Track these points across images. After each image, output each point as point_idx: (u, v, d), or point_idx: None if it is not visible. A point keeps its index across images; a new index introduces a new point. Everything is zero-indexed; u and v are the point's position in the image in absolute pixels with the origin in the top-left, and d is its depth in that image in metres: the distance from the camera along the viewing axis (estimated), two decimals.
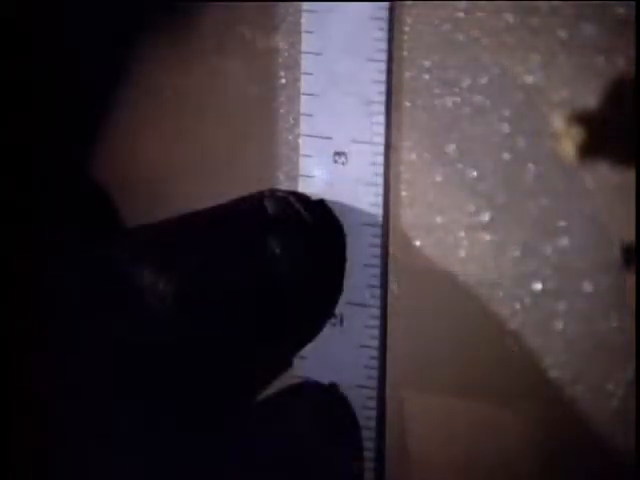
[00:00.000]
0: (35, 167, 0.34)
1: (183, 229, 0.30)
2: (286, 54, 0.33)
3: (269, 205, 0.31)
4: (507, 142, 0.29)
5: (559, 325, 0.29)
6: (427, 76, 0.30)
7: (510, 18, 0.29)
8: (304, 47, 0.32)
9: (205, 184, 0.35)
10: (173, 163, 0.36)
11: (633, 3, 0.27)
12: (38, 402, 0.23)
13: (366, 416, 0.32)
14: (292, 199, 0.31)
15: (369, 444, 0.32)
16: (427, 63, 0.30)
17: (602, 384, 0.29)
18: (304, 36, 0.32)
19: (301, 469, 0.30)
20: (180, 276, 0.28)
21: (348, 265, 0.32)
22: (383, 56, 0.31)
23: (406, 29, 0.31)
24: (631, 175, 0.27)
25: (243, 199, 0.31)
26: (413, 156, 0.31)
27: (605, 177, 0.28)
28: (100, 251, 0.27)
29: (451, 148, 0.30)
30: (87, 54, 0.36)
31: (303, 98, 0.32)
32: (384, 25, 0.31)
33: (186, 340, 0.27)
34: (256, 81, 0.34)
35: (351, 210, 0.32)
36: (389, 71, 0.31)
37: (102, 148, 0.37)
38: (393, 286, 0.32)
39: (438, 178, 0.31)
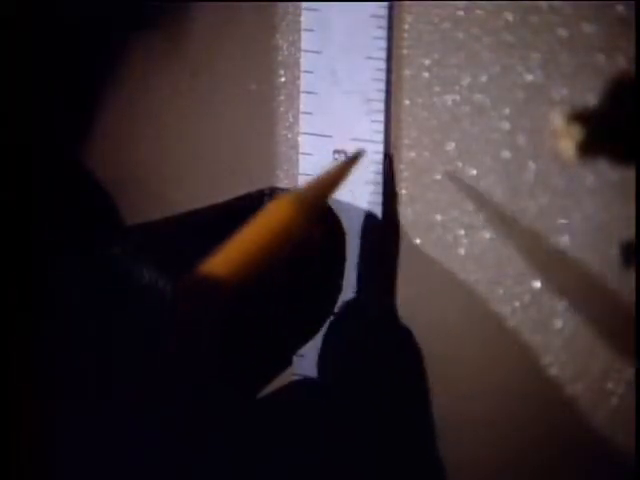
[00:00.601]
0: (35, 167, 0.34)
1: (183, 228, 0.30)
2: (286, 52, 0.33)
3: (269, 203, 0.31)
4: (507, 140, 0.29)
5: (558, 323, 0.29)
6: (427, 74, 0.30)
7: (510, 17, 0.29)
8: (304, 45, 0.32)
9: (205, 183, 0.35)
10: (173, 163, 0.36)
11: (633, 2, 0.27)
12: (38, 402, 0.23)
13: None
14: None
15: None
16: (427, 61, 0.30)
17: (601, 382, 0.29)
18: (304, 34, 0.32)
19: (300, 468, 0.30)
20: (180, 275, 0.28)
21: (347, 263, 0.32)
22: (383, 54, 0.31)
23: (406, 27, 0.31)
24: (631, 173, 0.27)
25: (243, 197, 0.31)
26: (413, 154, 0.31)
27: (605, 175, 0.28)
28: (100, 250, 0.27)
29: (451, 146, 0.30)
30: (87, 54, 0.36)
31: (303, 96, 0.32)
32: (384, 23, 0.31)
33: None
34: (256, 79, 0.34)
35: (351, 208, 0.32)
36: (389, 69, 0.31)
37: (102, 148, 0.37)
38: None
39: (438, 176, 0.31)
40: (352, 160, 0.29)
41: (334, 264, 0.32)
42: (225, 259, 0.26)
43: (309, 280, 0.30)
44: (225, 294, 0.25)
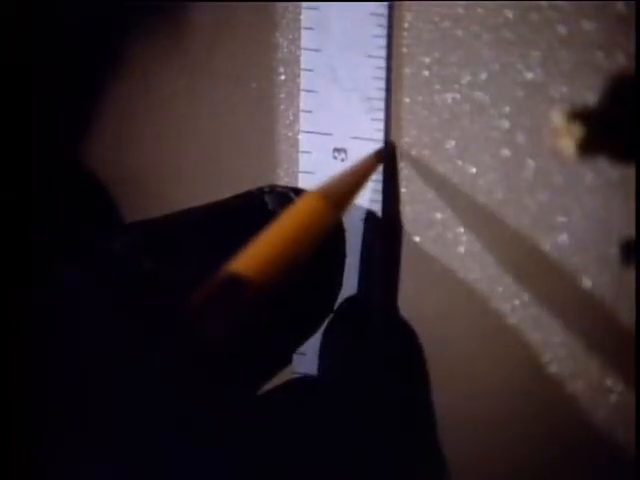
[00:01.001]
0: (35, 167, 0.34)
1: (183, 225, 0.30)
2: (286, 50, 0.33)
3: (269, 201, 0.31)
4: (507, 138, 0.29)
5: (558, 321, 0.29)
6: (427, 72, 0.30)
7: (510, 14, 0.29)
8: (304, 43, 0.32)
9: (205, 182, 0.35)
10: (173, 161, 0.36)
11: (633, 0, 0.27)
12: (38, 402, 0.23)
13: None
14: (292, 195, 0.31)
15: None
16: (427, 59, 0.30)
17: (601, 379, 0.29)
18: (304, 32, 0.32)
19: (299, 466, 0.30)
20: (180, 273, 0.28)
21: (347, 261, 0.32)
22: (383, 53, 0.31)
23: (406, 25, 0.31)
24: (631, 171, 0.27)
25: (243, 195, 0.31)
26: (413, 152, 0.31)
27: (605, 173, 0.28)
28: (100, 247, 0.27)
29: (451, 144, 0.30)
30: (87, 54, 0.36)
31: (303, 94, 0.32)
32: (384, 22, 0.31)
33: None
34: (256, 78, 0.34)
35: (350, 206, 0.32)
36: (389, 68, 0.31)
37: (102, 148, 0.37)
38: None
39: (438, 174, 0.31)
40: (379, 155, 0.29)
41: (334, 261, 0.32)
42: (252, 258, 0.25)
43: (309, 277, 0.30)
44: (252, 296, 0.25)
